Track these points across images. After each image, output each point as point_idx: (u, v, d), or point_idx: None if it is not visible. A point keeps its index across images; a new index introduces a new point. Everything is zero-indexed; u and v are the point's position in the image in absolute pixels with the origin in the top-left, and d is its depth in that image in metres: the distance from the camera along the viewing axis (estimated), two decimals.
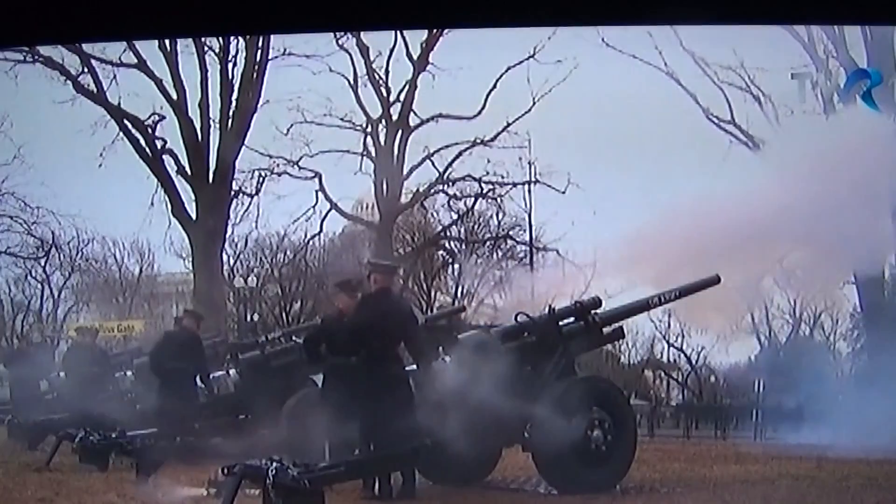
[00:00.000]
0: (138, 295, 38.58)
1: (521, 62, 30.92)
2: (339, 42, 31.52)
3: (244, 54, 30.33)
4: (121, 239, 38.19)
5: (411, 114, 32.63)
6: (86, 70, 30.30)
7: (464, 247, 36.72)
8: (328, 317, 15.90)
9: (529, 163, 33.13)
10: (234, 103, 30.48)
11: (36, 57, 29.44)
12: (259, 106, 30.83)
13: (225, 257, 34.01)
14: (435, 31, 30.08)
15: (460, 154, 33.14)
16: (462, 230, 36.37)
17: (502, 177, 33.49)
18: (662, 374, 36.21)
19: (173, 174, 30.89)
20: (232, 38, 28.75)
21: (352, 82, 32.52)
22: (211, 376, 19.55)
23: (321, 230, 35.41)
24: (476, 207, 35.21)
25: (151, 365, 19.67)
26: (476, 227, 36.42)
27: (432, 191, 34.58)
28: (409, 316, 14.57)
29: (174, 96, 30.46)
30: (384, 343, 13.98)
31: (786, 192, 15.29)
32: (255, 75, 30.33)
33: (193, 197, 30.82)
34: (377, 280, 14.57)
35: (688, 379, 34.95)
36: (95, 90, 30.41)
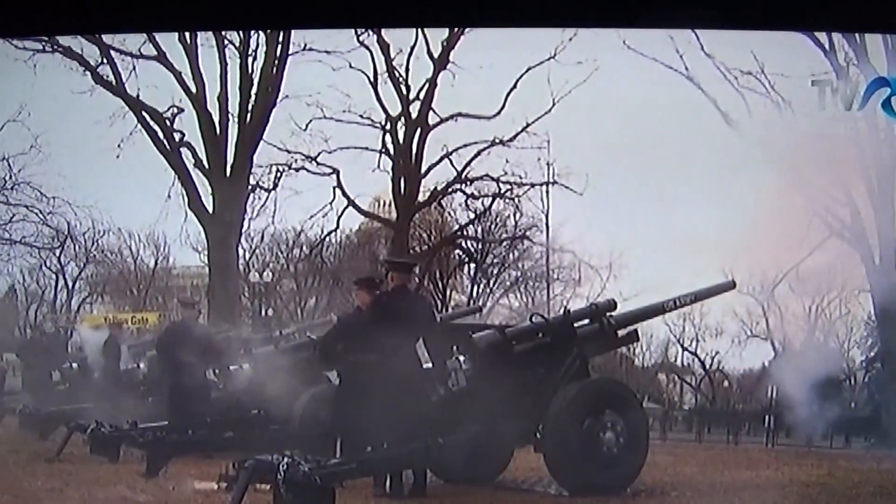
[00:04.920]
0: (153, 287, 38.47)
1: (542, 63, 30.55)
2: (360, 39, 31.31)
3: (264, 49, 30.25)
4: (137, 231, 37.84)
5: (430, 112, 32.52)
6: (105, 61, 30.21)
7: (480, 246, 36.57)
8: (345, 315, 15.94)
9: (548, 164, 32.80)
10: (253, 98, 30.35)
11: (55, 47, 29.37)
12: (278, 101, 30.70)
13: (241, 252, 33.82)
14: (456, 29, 29.95)
15: (479, 153, 32.88)
16: (479, 230, 36.21)
17: (520, 177, 33.21)
18: (676, 377, 35.98)
19: (191, 167, 30.74)
20: (252, 32, 28.72)
21: (372, 79, 32.33)
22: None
23: (338, 226, 35.14)
24: (493, 207, 35.03)
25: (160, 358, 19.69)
26: (493, 226, 36.24)
27: (450, 190, 34.38)
28: (426, 313, 14.57)
29: (193, 89, 30.37)
30: (401, 340, 13.99)
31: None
32: (274, 70, 30.20)
33: (210, 190, 30.69)
34: (394, 278, 14.61)
35: (701, 383, 34.76)
36: (114, 81, 30.30)
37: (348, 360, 14.73)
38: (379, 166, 33.32)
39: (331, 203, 33.81)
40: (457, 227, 36.43)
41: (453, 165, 33.36)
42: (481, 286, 36.75)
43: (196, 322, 20.38)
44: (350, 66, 31.51)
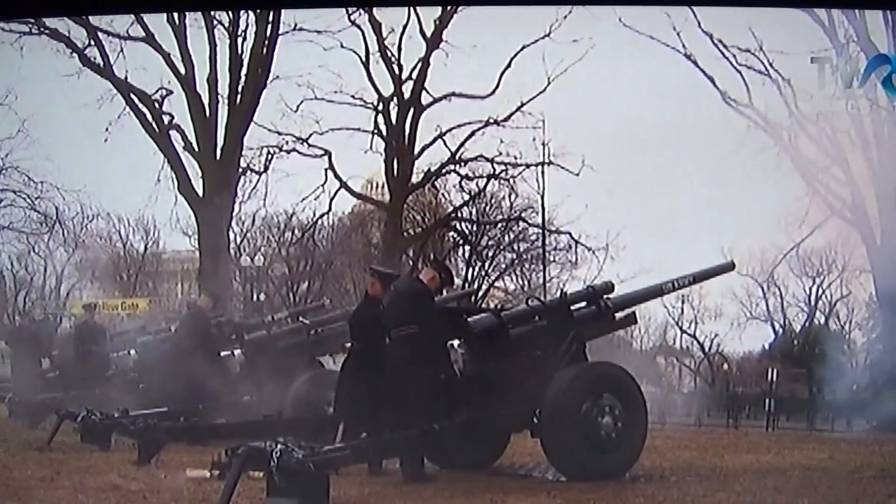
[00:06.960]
0: (143, 272, 38.42)
1: (537, 41, 30.37)
2: (351, 18, 31.10)
3: (254, 29, 30.17)
4: (126, 215, 38.03)
5: (423, 92, 32.48)
6: (92, 43, 30.20)
7: (475, 228, 36.48)
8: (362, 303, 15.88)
9: (543, 144, 32.88)
10: (243, 79, 30.31)
11: (42, 29, 29.34)
12: (268, 82, 30.69)
13: (232, 235, 33.87)
14: (449, 7, 29.81)
15: (473, 134, 32.99)
16: (474, 211, 36.18)
17: (515, 157, 33.33)
18: (675, 361, 36.03)
19: (180, 150, 30.78)
20: (242, 12, 28.60)
21: (363, 59, 32.25)
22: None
23: (330, 209, 35.27)
24: (488, 188, 35.03)
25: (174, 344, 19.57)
26: (488, 208, 36.21)
27: (444, 171, 34.40)
28: (428, 302, 14.48)
29: (182, 71, 30.32)
30: (407, 327, 13.90)
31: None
32: (264, 51, 30.12)
33: (200, 174, 30.71)
34: (426, 274, 14.66)
35: (700, 366, 34.78)
36: (102, 63, 30.30)
37: (357, 347, 14.83)
38: (371, 147, 33.36)
39: (323, 185, 33.88)
40: (451, 208, 36.44)
41: (447, 146, 33.39)
42: (476, 269, 36.74)
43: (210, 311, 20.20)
44: (341, 46, 31.43)
